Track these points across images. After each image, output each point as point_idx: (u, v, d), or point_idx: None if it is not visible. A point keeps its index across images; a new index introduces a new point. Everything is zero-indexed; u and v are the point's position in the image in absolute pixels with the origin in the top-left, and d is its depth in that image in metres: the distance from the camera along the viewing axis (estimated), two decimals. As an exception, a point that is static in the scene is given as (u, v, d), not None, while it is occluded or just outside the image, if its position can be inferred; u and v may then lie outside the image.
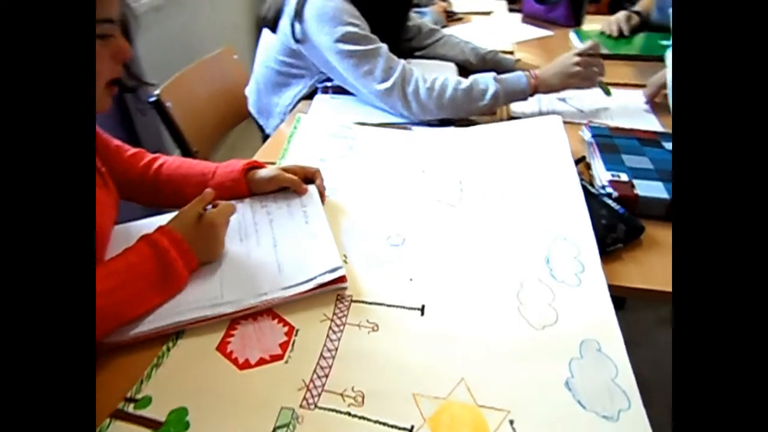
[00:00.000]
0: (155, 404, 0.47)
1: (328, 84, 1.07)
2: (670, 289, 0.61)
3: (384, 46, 0.96)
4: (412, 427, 0.45)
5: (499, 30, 1.59)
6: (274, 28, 1.07)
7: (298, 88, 1.10)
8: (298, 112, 1.04)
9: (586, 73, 0.94)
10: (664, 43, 1.35)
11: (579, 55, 0.95)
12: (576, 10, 1.56)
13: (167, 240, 0.56)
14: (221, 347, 0.53)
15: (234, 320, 0.56)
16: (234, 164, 0.74)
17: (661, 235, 0.68)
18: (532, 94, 0.96)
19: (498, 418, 0.46)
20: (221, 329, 0.55)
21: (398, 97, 0.94)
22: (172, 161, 0.77)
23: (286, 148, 0.88)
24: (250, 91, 1.24)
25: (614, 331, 0.54)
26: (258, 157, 0.88)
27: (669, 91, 0.90)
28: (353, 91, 1.01)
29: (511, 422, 0.45)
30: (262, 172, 0.73)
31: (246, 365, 0.51)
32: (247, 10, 2.47)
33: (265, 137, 1.21)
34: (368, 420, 0.46)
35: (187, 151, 1.16)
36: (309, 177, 0.75)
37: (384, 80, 0.94)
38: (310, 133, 0.91)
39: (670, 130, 0.91)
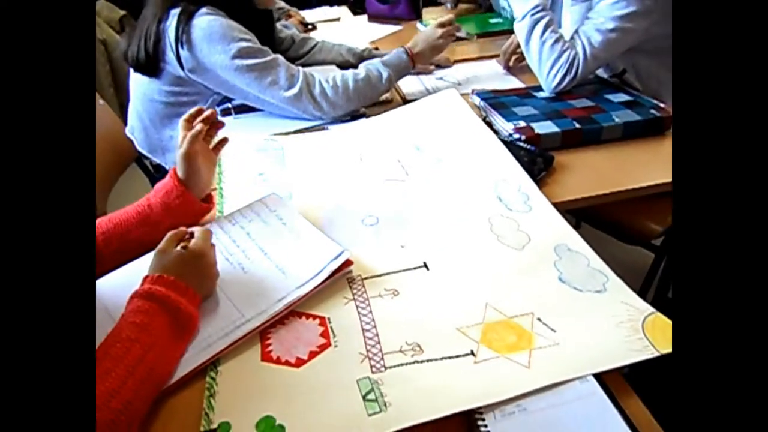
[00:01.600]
0: (237, 426, 0.46)
1: (229, 105, 1.06)
2: (586, 195, 0.78)
3: (279, 56, 0.99)
4: (472, 351, 0.52)
5: (352, 33, 1.71)
6: (152, 69, 1.01)
7: (193, 115, 1.06)
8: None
9: (449, 40, 1.11)
10: (493, 21, 1.61)
11: (440, 25, 1.11)
12: (414, 4, 1.76)
13: (161, 286, 0.53)
14: (266, 357, 0.53)
15: (263, 332, 0.56)
16: (159, 187, 0.70)
17: (564, 159, 0.85)
18: (413, 67, 1.09)
19: (528, 321, 0.55)
20: (255, 344, 0.55)
21: (308, 100, 0.98)
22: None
23: (220, 171, 0.87)
24: (134, 131, 1.15)
25: (572, 232, 0.68)
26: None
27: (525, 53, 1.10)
28: (259, 105, 1.02)
29: (539, 319, 0.55)
30: (179, 164, 0.70)
31: (301, 362, 0.52)
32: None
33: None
34: (435, 360, 0.51)
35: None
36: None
37: (290, 87, 0.97)
38: (237, 154, 0.91)
39: (534, 85, 1.11)
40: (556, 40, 0.99)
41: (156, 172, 1.27)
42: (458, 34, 1.19)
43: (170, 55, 0.98)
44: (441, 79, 1.23)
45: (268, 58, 0.97)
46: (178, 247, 0.58)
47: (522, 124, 0.91)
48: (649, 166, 0.85)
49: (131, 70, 1.09)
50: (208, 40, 0.94)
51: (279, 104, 0.99)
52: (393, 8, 1.77)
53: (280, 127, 1.01)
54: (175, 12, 0.95)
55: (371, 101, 1.05)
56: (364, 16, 1.87)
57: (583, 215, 1.18)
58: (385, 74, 1.02)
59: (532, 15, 1.00)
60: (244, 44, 0.95)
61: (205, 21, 0.94)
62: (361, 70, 1.03)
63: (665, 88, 1.12)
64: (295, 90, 0.97)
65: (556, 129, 0.89)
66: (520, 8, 1.02)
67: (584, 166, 0.85)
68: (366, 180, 0.82)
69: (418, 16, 1.77)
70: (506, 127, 0.91)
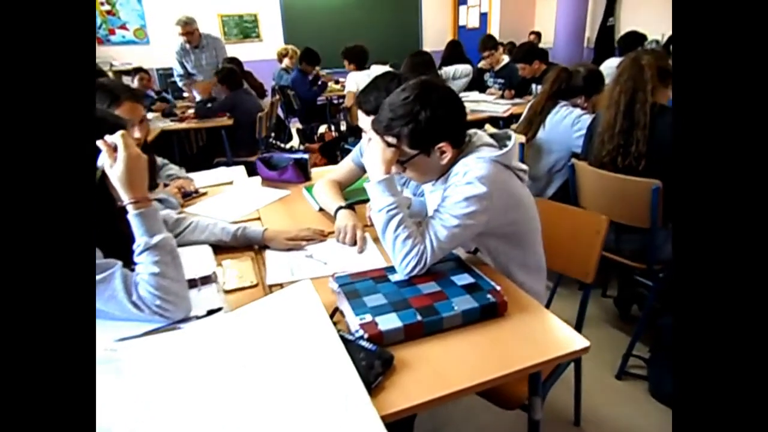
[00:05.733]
0: None
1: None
2: (427, 399, 0.79)
3: (117, 266, 0.94)
4: None
5: (243, 198, 1.78)
6: None
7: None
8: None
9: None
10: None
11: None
12: (302, 169, 1.88)
13: None
14: None
15: None
16: None
17: (404, 356, 0.88)
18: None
19: None
20: None
21: (146, 306, 0.93)
22: None
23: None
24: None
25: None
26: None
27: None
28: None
29: None
30: None
31: None
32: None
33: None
34: None
35: None
36: None
37: (129, 296, 0.93)
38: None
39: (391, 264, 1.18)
40: (408, 236, 1.08)
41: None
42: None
43: None
44: (310, 257, 1.28)
45: (104, 273, 0.92)
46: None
47: (368, 318, 0.94)
48: (487, 358, 0.88)
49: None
50: None
51: (123, 314, 0.94)
52: (282, 173, 1.88)
53: (127, 330, 0.96)
54: None
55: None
56: (258, 178, 1.97)
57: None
58: None
59: (388, 211, 1.10)
60: None
61: None
62: None
63: (514, 262, 1.23)
64: (134, 298, 0.92)
65: (398, 324, 0.92)
66: (377, 203, 1.11)
67: (424, 362, 0.87)
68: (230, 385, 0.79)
69: (307, 178, 1.89)
70: (353, 322, 0.94)
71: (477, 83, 4.37)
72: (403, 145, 1.09)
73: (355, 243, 1.31)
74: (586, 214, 1.44)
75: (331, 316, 0.96)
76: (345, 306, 1.00)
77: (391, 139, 1.09)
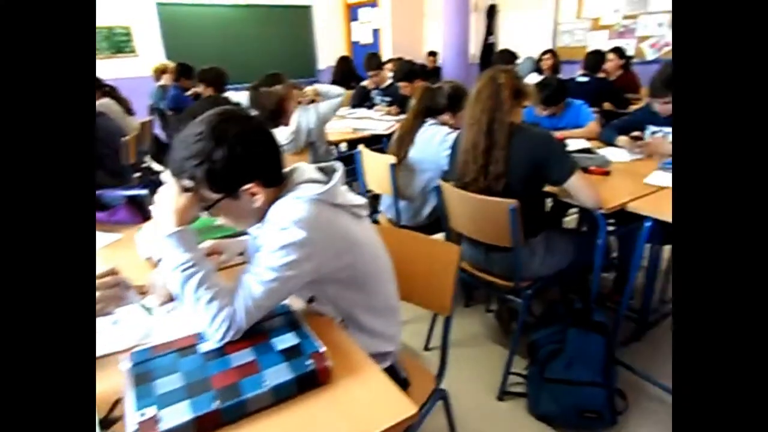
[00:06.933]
0: None
1: None
2: None
3: None
4: None
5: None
6: None
7: None
8: None
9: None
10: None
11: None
12: (139, 207, 1.63)
13: None
14: None
15: None
16: None
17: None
18: None
19: None
20: None
21: None
22: None
23: None
24: None
25: None
26: None
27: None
28: None
29: None
30: None
31: None
32: None
33: None
34: None
35: None
36: None
37: None
38: None
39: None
40: (213, 297, 0.90)
41: None
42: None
43: None
44: (116, 323, 1.06)
45: None
46: None
47: (149, 413, 0.75)
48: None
49: None
50: None
51: None
52: (113, 213, 1.62)
53: None
54: None
55: None
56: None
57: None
58: None
59: (183, 270, 0.91)
60: None
61: None
62: None
63: (358, 307, 1.11)
64: None
65: (188, 416, 0.74)
66: (170, 260, 0.92)
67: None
68: None
69: (146, 218, 1.64)
70: (131, 420, 0.74)
71: (365, 100, 4.32)
72: (203, 188, 0.92)
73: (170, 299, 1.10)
74: (440, 244, 1.37)
75: (107, 416, 0.75)
76: (128, 396, 0.80)
77: (188, 183, 0.92)
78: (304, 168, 1.04)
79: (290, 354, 0.88)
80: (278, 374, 0.83)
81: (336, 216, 0.99)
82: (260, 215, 0.99)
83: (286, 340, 0.92)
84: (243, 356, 0.88)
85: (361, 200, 1.09)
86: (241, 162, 0.90)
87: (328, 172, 1.07)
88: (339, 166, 1.06)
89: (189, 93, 4.75)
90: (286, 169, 1.04)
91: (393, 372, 1.22)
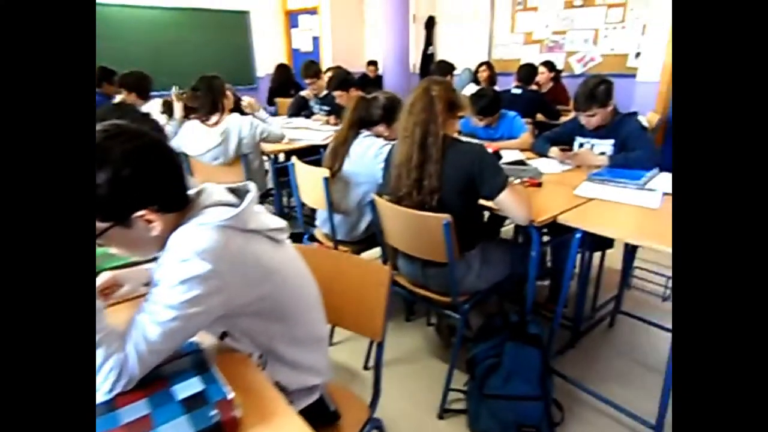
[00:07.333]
0: None
1: None
2: None
3: None
4: None
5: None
6: None
7: None
8: None
9: None
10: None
11: None
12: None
13: None
14: None
15: None
16: None
17: None
18: None
19: None
20: None
21: None
22: None
23: None
24: None
25: None
26: None
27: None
28: None
29: None
30: None
31: None
32: None
33: None
34: None
35: None
36: None
37: None
38: None
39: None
40: (98, 343, 0.78)
41: None
42: None
43: None
44: None
45: None
46: None
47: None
48: None
49: None
50: None
51: None
52: None
53: None
54: None
55: None
56: None
57: None
58: None
59: None
60: None
61: None
62: None
63: (278, 339, 1.01)
64: None
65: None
66: None
67: None
68: None
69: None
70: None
71: (303, 109, 4.21)
72: None
73: None
74: (371, 265, 1.30)
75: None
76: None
77: None
78: (212, 189, 0.93)
79: (192, 404, 0.77)
80: (175, 430, 0.72)
81: (248, 243, 0.89)
82: (160, 243, 0.87)
83: (189, 387, 0.81)
84: (135, 410, 0.76)
85: (280, 223, 1.00)
86: (129, 186, 0.79)
87: (241, 194, 0.97)
88: (252, 187, 0.96)
89: (117, 101, 4.41)
90: (192, 191, 0.93)
91: (321, 405, 1.13)
